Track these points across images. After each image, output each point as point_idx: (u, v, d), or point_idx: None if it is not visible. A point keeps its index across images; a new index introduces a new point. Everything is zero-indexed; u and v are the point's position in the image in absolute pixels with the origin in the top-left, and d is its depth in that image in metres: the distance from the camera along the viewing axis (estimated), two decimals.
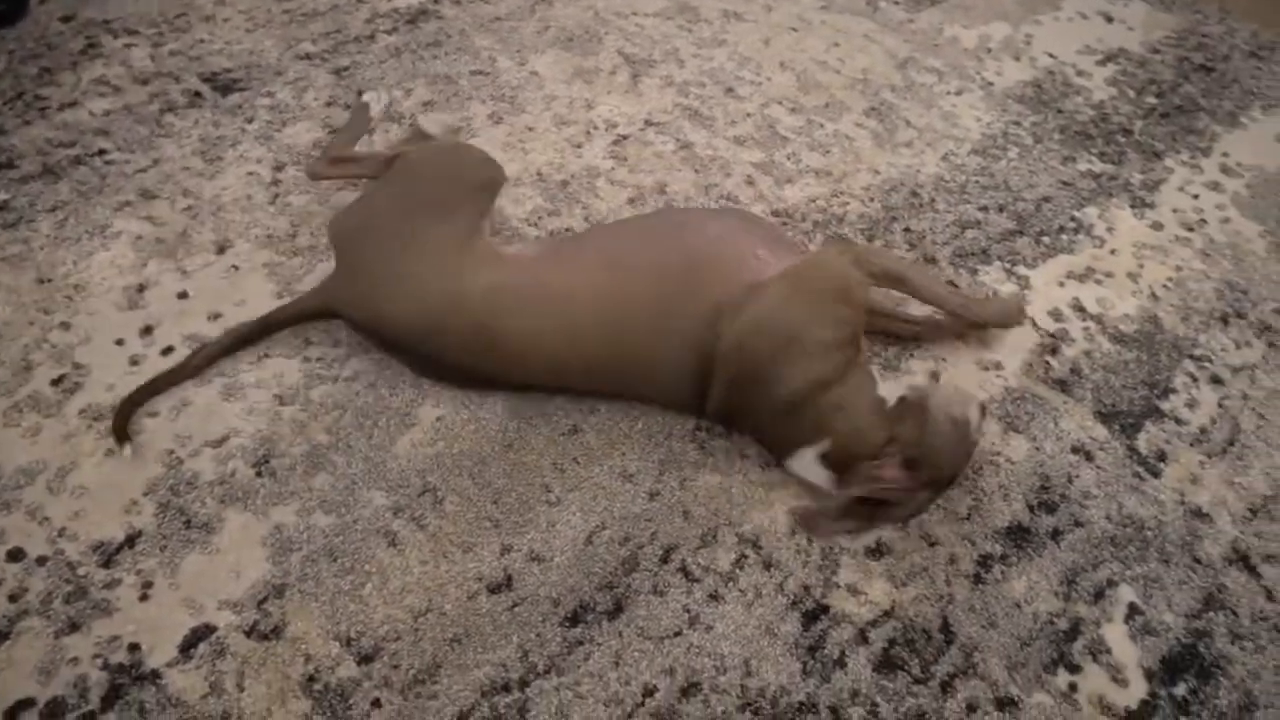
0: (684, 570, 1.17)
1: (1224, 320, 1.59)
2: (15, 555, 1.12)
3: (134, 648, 1.05)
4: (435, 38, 1.97)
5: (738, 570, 1.18)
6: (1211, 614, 1.22)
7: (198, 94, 1.77)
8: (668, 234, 1.33)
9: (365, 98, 1.59)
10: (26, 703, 1.00)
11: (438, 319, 1.24)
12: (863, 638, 1.14)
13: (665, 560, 1.18)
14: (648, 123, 1.82)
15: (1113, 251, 1.70)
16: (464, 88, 1.85)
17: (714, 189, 1.69)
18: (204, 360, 1.31)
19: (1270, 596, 1.24)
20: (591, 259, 1.29)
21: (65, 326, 1.36)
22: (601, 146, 1.75)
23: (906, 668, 1.12)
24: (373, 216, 1.33)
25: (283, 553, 1.15)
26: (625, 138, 1.78)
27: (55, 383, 1.29)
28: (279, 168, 1.64)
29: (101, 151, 1.63)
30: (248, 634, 1.08)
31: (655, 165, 1.73)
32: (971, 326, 1.46)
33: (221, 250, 1.49)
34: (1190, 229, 1.76)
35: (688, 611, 1.14)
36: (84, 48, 1.86)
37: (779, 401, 1.20)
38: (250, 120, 1.73)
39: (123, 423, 1.23)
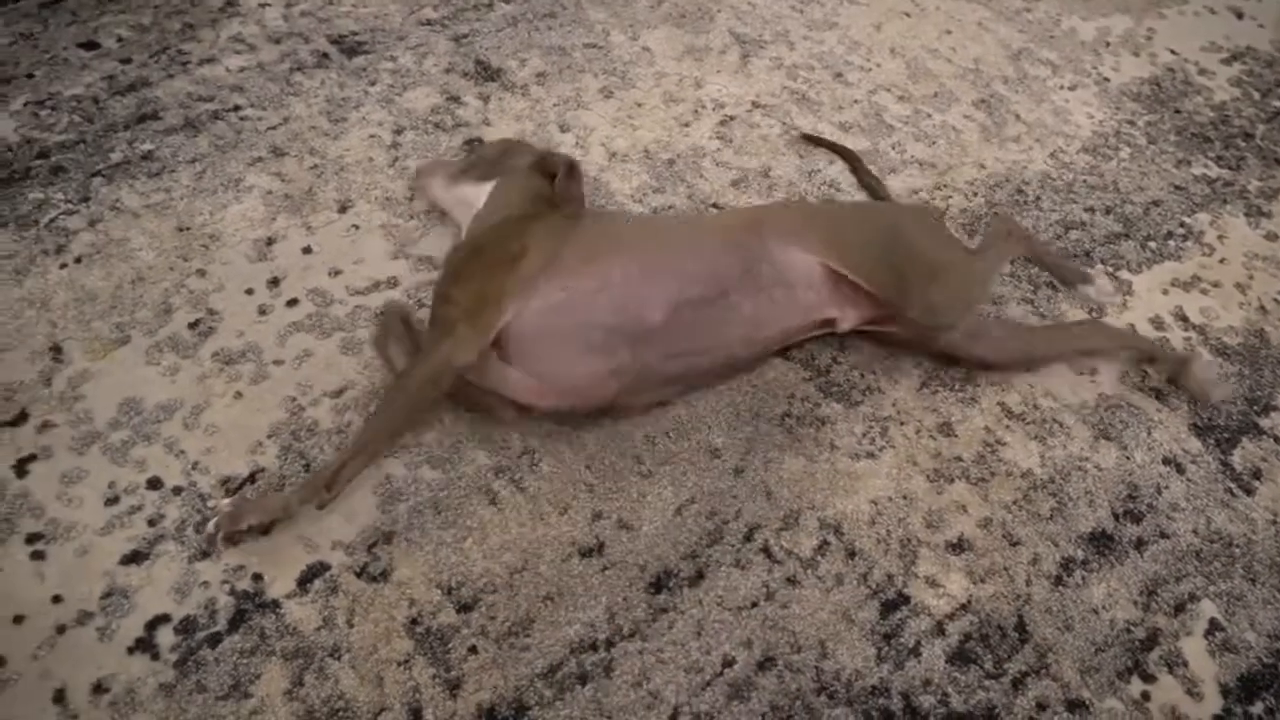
0: (766, 550, 1.22)
1: None
2: (154, 484, 1.22)
3: (257, 578, 1.15)
4: (551, 9, 2.01)
5: (819, 557, 1.22)
6: None
7: (325, 55, 1.85)
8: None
9: None
10: (163, 618, 1.11)
11: None
12: (939, 629, 1.17)
13: (749, 539, 1.23)
14: (755, 104, 1.84)
15: (1222, 261, 1.67)
16: (577, 60, 1.89)
17: (816, 175, 1.71)
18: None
19: None
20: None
21: (201, 274, 1.46)
22: (709, 126, 1.78)
23: (980, 662, 1.15)
24: None
25: (391, 501, 1.23)
26: (732, 118, 1.80)
27: (192, 326, 1.39)
28: (399, 131, 1.71)
29: (237, 107, 1.73)
30: (358, 574, 1.16)
31: (760, 148, 1.75)
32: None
33: (343, 209, 1.57)
34: None
35: (766, 588, 1.19)
36: (223, 5, 1.95)
37: None
38: (373, 83, 1.80)
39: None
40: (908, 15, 2.12)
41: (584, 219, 1.38)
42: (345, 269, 1.49)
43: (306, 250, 1.51)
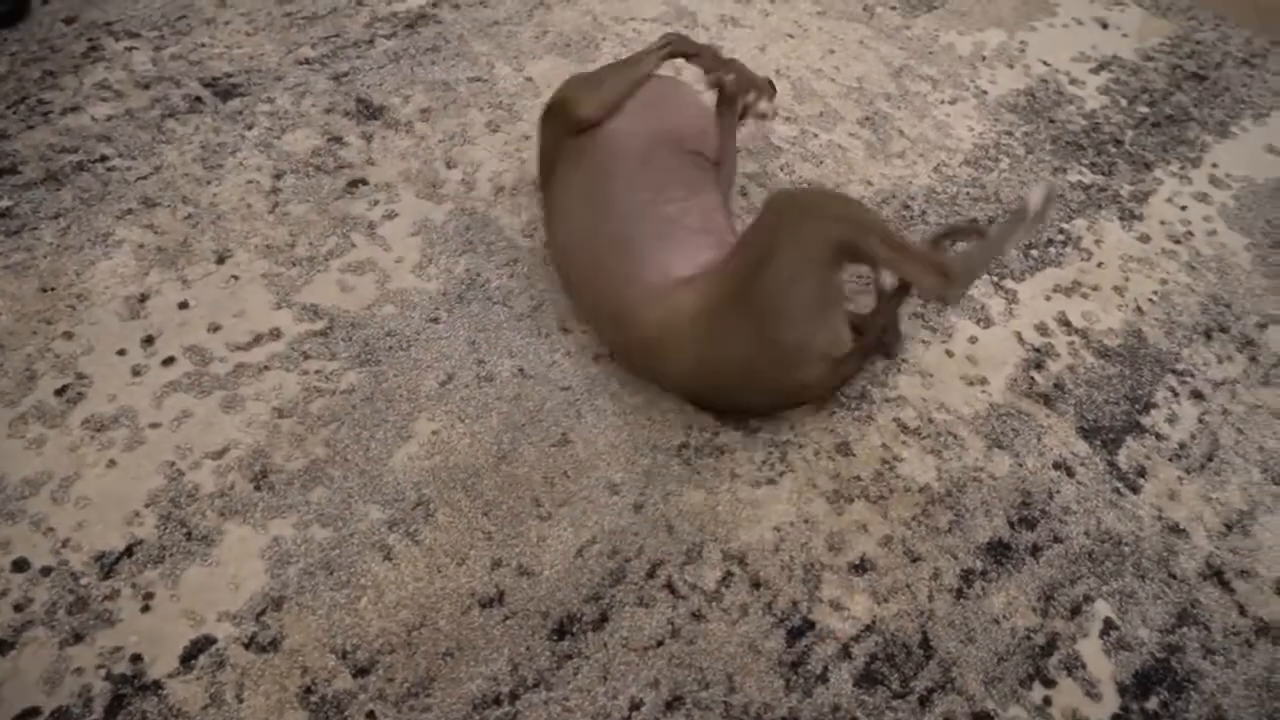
0: (670, 586, 1.21)
1: (1207, 334, 1.62)
2: (20, 565, 1.15)
3: (136, 658, 1.09)
4: (434, 43, 1.98)
5: (723, 589, 1.21)
6: (1185, 629, 1.25)
7: (199, 99, 1.79)
8: None
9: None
10: (32, 712, 1.04)
11: None
12: (846, 653, 1.18)
13: (652, 576, 1.21)
14: None
15: (1100, 265, 1.72)
16: (462, 94, 1.87)
17: None
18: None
19: (1243, 611, 1.27)
20: None
21: (68, 336, 1.39)
22: None
23: (886, 682, 1.16)
24: None
25: (281, 565, 1.18)
26: None
27: (59, 393, 1.32)
28: (278, 175, 1.66)
29: (104, 158, 1.65)
30: (246, 645, 1.11)
31: None
32: None
33: (222, 260, 1.52)
34: (1177, 241, 1.79)
35: (672, 625, 1.17)
36: (86, 50, 1.87)
37: None
38: (250, 127, 1.75)
39: None
40: (791, 37, 2.15)
41: None
42: (225, 323, 1.43)
43: (183, 305, 1.45)
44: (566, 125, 1.47)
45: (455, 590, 1.18)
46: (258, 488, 1.26)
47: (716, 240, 1.36)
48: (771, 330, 1.23)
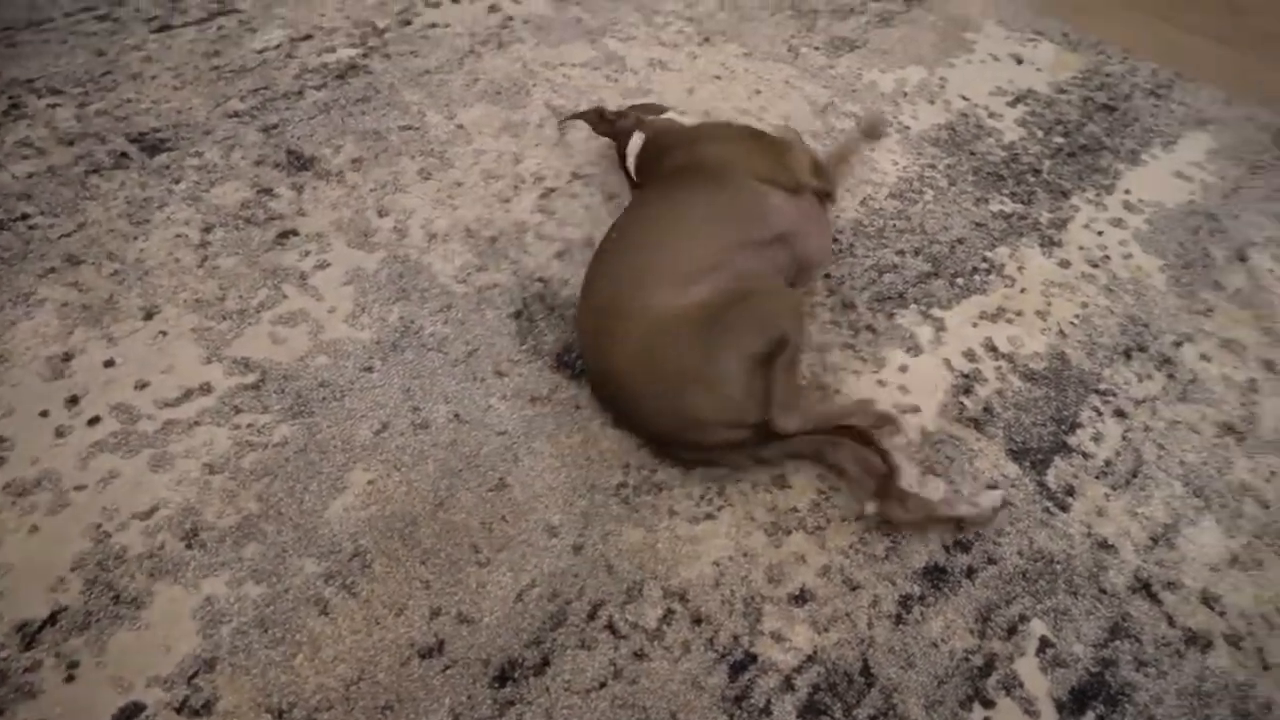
0: (611, 627, 1.20)
1: (1127, 354, 1.68)
2: None
3: None
4: (364, 93, 1.99)
5: (665, 626, 1.21)
6: (1117, 642, 1.28)
7: (124, 154, 1.78)
8: None
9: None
10: None
11: None
12: (788, 685, 1.18)
13: (593, 617, 1.21)
14: (575, 175, 1.86)
15: (1023, 290, 1.78)
16: (393, 143, 1.88)
17: None
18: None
19: (1171, 622, 1.31)
20: None
21: None
22: (530, 200, 1.79)
23: (830, 712, 1.16)
24: None
25: (213, 625, 1.16)
26: (553, 191, 1.82)
27: None
28: (207, 229, 1.65)
29: (24, 216, 1.63)
30: (178, 710, 1.08)
31: (583, 218, 1.77)
32: None
33: (149, 316, 1.50)
34: (1095, 265, 1.85)
35: (614, 665, 1.17)
36: (7, 109, 1.85)
37: None
38: (178, 181, 1.73)
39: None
40: (719, 78, 2.20)
41: None
42: (153, 379, 1.41)
43: (109, 363, 1.42)
44: (775, 171, 1.58)
45: (394, 642, 1.16)
46: (189, 546, 1.23)
47: None
48: (704, 350, 1.29)
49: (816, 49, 2.36)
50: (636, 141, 1.70)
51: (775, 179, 1.56)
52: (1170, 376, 1.65)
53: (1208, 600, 1.33)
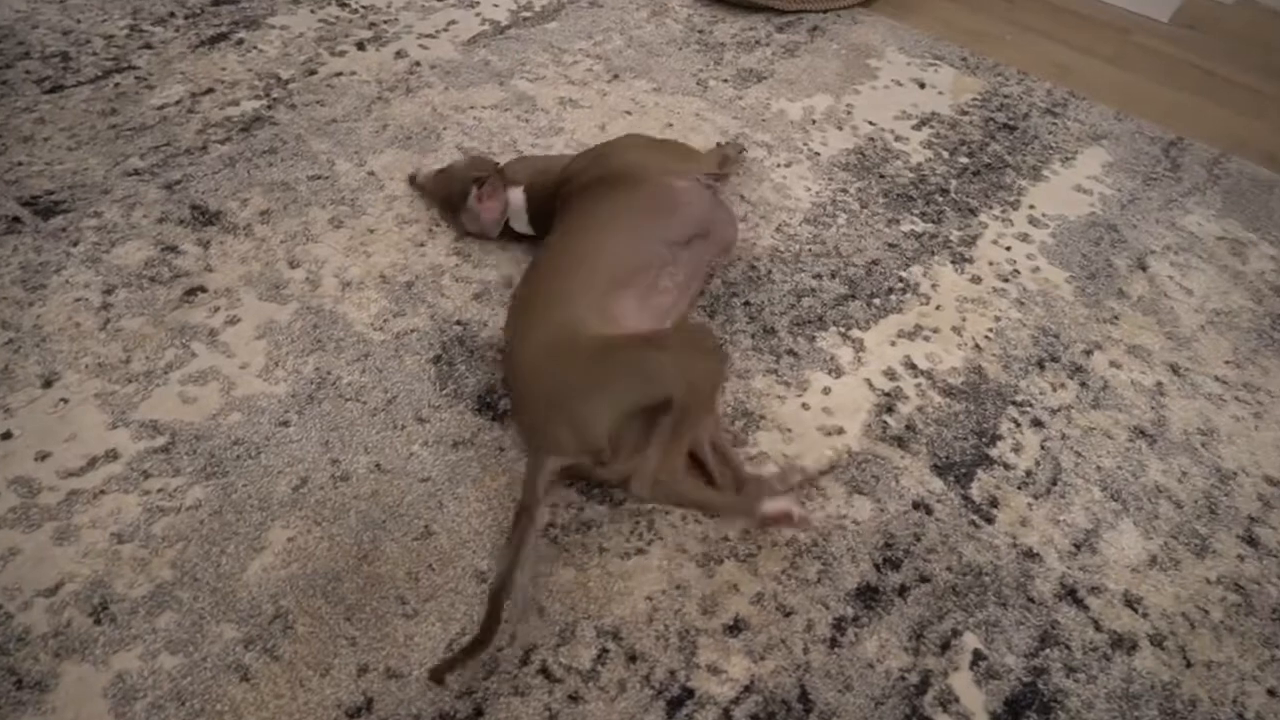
0: (544, 671, 1.18)
1: (1040, 365, 1.72)
2: None
3: None
4: (270, 144, 1.96)
5: (599, 666, 1.19)
6: (1047, 650, 1.29)
7: (16, 219, 1.72)
8: None
9: None
10: None
11: None
12: (726, 717, 1.17)
13: (525, 662, 1.19)
14: None
15: (938, 307, 1.81)
16: (303, 193, 1.85)
17: None
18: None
19: (1098, 627, 1.33)
20: None
21: None
22: (445, 243, 1.78)
23: None
24: None
25: (126, 703, 1.11)
26: (469, 233, 1.81)
27: None
28: (109, 290, 1.60)
29: None
30: None
31: (501, 259, 1.76)
32: None
33: (48, 384, 1.44)
34: (1005, 280, 1.90)
35: (549, 710, 1.14)
36: None
37: None
38: (76, 243, 1.68)
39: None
40: (629, 114, 2.22)
41: None
42: (54, 449, 1.35)
43: (5, 436, 1.36)
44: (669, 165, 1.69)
45: (320, 703, 1.12)
46: (97, 621, 1.18)
47: (658, 323, 1.49)
48: (583, 383, 1.31)
49: (725, 81, 2.40)
50: (517, 197, 1.71)
51: (682, 170, 1.67)
52: (1083, 385, 1.70)
53: (1130, 602, 1.36)
